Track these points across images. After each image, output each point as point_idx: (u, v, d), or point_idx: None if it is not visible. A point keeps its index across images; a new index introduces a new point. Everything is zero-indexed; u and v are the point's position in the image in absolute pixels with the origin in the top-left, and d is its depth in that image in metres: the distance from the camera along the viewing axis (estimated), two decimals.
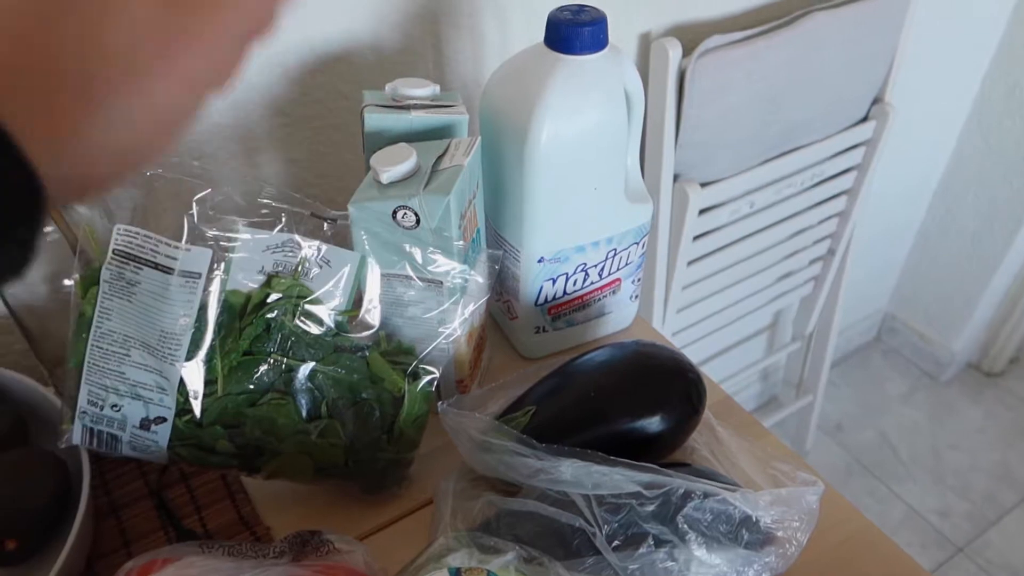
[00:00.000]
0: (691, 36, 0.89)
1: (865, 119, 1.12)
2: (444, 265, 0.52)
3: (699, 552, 0.44)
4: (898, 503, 1.57)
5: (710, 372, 1.42)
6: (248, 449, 0.52)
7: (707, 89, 0.87)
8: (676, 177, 0.96)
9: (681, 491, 0.44)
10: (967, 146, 1.53)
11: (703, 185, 0.97)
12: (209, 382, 0.50)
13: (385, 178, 0.51)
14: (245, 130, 0.68)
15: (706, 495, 0.44)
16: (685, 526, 0.44)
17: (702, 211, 1.00)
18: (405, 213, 0.50)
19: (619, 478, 0.45)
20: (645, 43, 0.89)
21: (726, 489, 0.44)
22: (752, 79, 0.90)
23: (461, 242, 0.52)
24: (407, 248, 0.51)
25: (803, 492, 0.48)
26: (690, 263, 1.06)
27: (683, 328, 1.17)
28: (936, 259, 1.70)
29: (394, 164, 0.51)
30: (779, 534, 0.47)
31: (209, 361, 0.50)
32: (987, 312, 1.72)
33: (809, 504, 0.48)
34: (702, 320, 1.19)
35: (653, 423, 0.54)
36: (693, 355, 1.34)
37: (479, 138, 0.54)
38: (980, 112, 1.48)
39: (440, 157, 0.53)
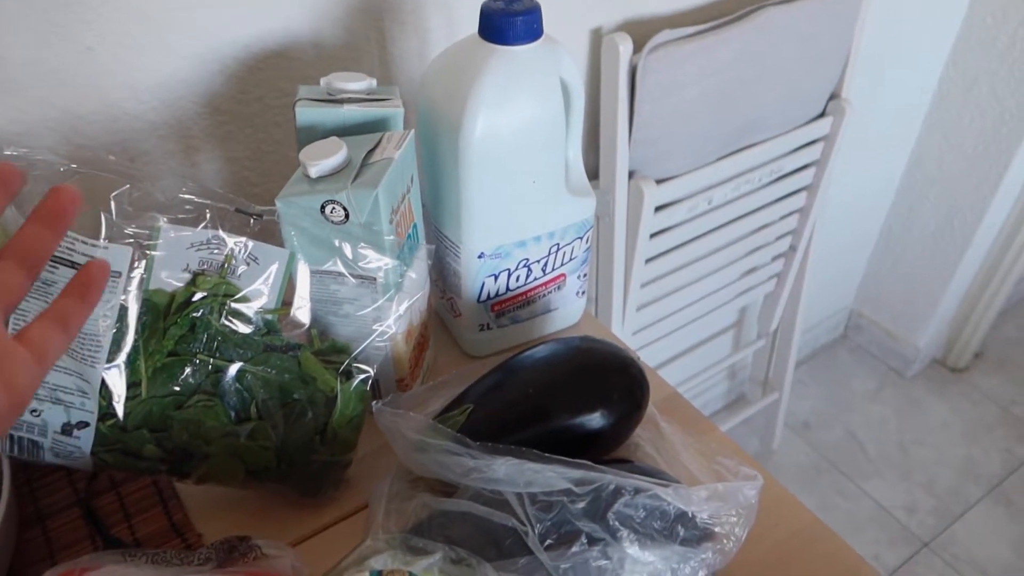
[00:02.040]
0: (643, 32, 0.89)
1: (822, 115, 1.12)
2: (375, 261, 0.51)
3: (632, 550, 0.43)
4: (865, 500, 1.58)
5: (676, 370, 1.42)
6: (176, 453, 0.50)
7: (659, 84, 0.87)
8: (631, 174, 0.95)
9: (612, 487, 0.43)
10: (927, 143, 1.54)
11: (659, 182, 0.96)
12: (132, 384, 0.48)
13: (314, 172, 0.50)
14: (182, 128, 0.67)
15: (637, 491, 0.43)
16: (616, 523, 0.43)
17: (658, 208, 0.99)
18: (334, 208, 0.49)
19: (551, 475, 0.44)
20: (596, 39, 0.88)
21: (659, 485, 0.43)
22: (705, 74, 0.90)
23: (393, 237, 0.50)
24: (337, 244, 0.50)
25: (740, 486, 0.47)
26: (648, 260, 1.05)
27: (645, 326, 1.17)
28: (900, 256, 1.71)
29: (323, 158, 0.50)
30: (716, 530, 0.46)
31: (132, 363, 0.48)
32: (951, 308, 1.73)
33: (747, 498, 0.47)
34: (664, 318, 1.19)
35: (593, 419, 0.53)
36: (657, 354, 1.35)
37: (412, 131, 0.53)
38: (939, 109, 1.49)
39: (371, 151, 0.52)
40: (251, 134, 0.70)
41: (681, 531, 0.45)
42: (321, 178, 0.50)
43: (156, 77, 0.63)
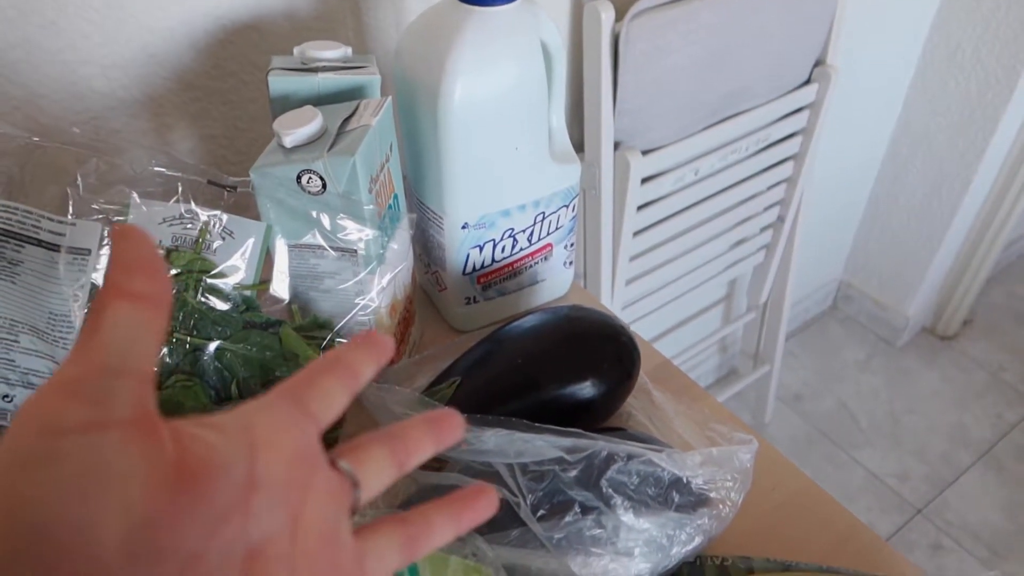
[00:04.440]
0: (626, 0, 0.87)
1: (808, 82, 1.11)
2: (355, 232, 0.49)
3: (626, 517, 0.42)
4: (858, 469, 1.58)
5: (666, 344, 1.41)
6: None
7: (642, 52, 0.85)
8: (616, 145, 0.94)
9: (604, 454, 0.42)
10: (912, 110, 1.53)
11: (644, 153, 0.95)
12: None
13: (288, 142, 0.48)
14: (154, 105, 0.65)
15: (630, 457, 0.42)
16: (610, 490, 0.42)
17: (645, 179, 0.98)
18: (310, 177, 0.47)
19: (541, 444, 0.43)
20: (578, 7, 0.87)
21: (653, 450, 0.42)
22: (688, 41, 0.88)
23: (372, 206, 0.49)
24: (315, 215, 0.49)
25: (735, 451, 0.46)
26: (636, 233, 1.04)
27: (634, 301, 1.16)
28: (887, 225, 1.71)
29: (298, 127, 0.48)
30: (712, 495, 0.45)
31: None
32: (938, 276, 1.73)
33: (742, 463, 0.46)
34: (654, 292, 1.18)
35: (584, 388, 0.52)
36: (647, 328, 1.34)
37: (389, 98, 0.52)
38: (924, 75, 1.48)
39: (348, 119, 0.50)
40: (226, 111, 0.68)
41: (676, 497, 0.44)
42: (296, 147, 0.48)
43: (124, 52, 0.61)
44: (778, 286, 1.42)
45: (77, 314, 0.45)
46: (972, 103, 1.43)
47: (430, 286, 0.65)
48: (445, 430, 0.31)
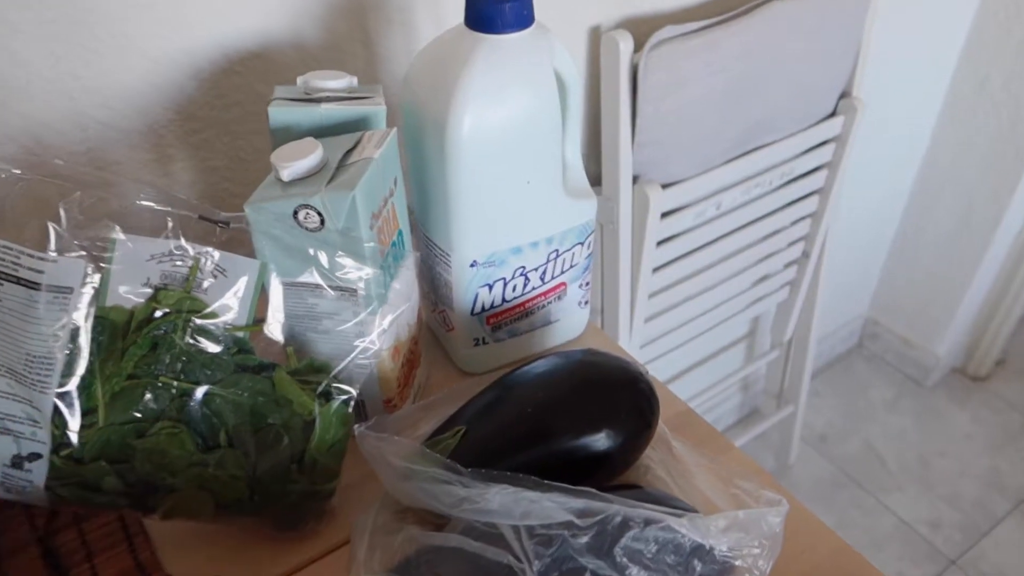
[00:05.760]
0: (644, 29, 0.85)
1: (833, 114, 1.08)
2: (354, 271, 0.46)
3: None
4: (887, 515, 1.51)
5: (687, 384, 1.37)
6: (139, 486, 0.46)
7: (662, 83, 0.83)
8: (635, 179, 0.91)
9: (619, 519, 0.38)
10: (941, 143, 1.49)
11: (664, 186, 0.92)
12: (89, 411, 0.44)
13: (286, 175, 0.45)
14: (155, 136, 0.63)
15: (647, 522, 0.38)
16: (625, 559, 0.38)
17: (665, 214, 0.95)
18: (307, 213, 0.45)
19: (550, 505, 0.39)
20: (595, 37, 0.84)
21: (672, 515, 0.39)
22: (709, 71, 0.85)
23: (373, 244, 0.46)
24: (312, 253, 0.46)
25: (763, 514, 0.42)
26: (656, 269, 1.00)
27: (653, 338, 1.12)
28: (915, 261, 1.66)
29: (296, 159, 0.45)
30: (737, 563, 0.41)
31: (88, 387, 0.44)
32: (969, 314, 1.67)
33: (771, 527, 0.42)
34: (674, 330, 1.14)
35: (599, 440, 0.48)
36: (667, 367, 1.30)
37: (394, 129, 0.49)
38: (952, 107, 1.44)
39: (350, 151, 0.47)
40: (229, 142, 0.66)
41: (698, 566, 0.40)
42: (294, 181, 0.45)
43: (126, 82, 0.59)
44: (803, 324, 1.37)
45: (57, 356, 0.43)
46: (1004, 135, 1.39)
47: (438, 326, 0.62)
48: None
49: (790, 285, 1.29)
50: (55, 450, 0.44)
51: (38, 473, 0.45)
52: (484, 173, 0.50)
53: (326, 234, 0.45)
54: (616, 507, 0.38)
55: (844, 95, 1.07)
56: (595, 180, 0.96)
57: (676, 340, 1.16)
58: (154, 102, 0.61)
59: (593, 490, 0.40)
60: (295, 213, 0.45)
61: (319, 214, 0.44)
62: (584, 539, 0.38)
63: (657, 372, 1.27)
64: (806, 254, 1.24)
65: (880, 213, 1.58)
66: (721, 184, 0.99)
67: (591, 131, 0.92)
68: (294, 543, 0.51)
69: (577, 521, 0.38)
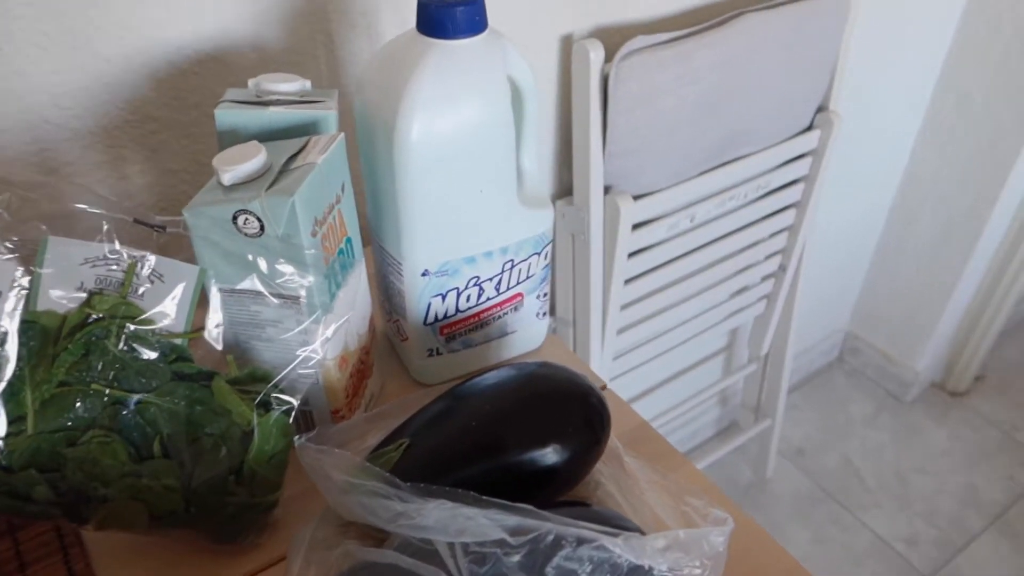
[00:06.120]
0: (617, 39, 0.84)
1: (810, 128, 1.07)
2: (294, 278, 0.45)
3: None
4: (864, 531, 1.51)
5: (663, 396, 1.36)
6: (71, 496, 0.44)
7: (633, 94, 0.82)
8: (607, 189, 0.90)
9: (551, 537, 0.37)
10: (921, 158, 1.50)
11: (636, 197, 0.91)
12: (17, 419, 0.43)
13: (227, 179, 0.44)
14: (109, 138, 0.62)
15: (580, 541, 0.37)
16: None
17: (637, 225, 0.94)
18: (247, 218, 0.43)
19: (485, 523, 0.38)
20: (567, 46, 0.84)
21: (608, 534, 0.37)
22: (682, 83, 0.85)
23: (315, 251, 0.45)
24: (252, 259, 0.45)
25: (705, 533, 0.41)
26: (628, 281, 1.00)
27: (627, 351, 1.11)
28: (895, 276, 1.66)
29: (238, 163, 0.44)
30: None
31: (16, 394, 0.42)
32: (949, 329, 1.67)
33: (714, 546, 0.41)
34: (647, 342, 1.13)
35: (546, 455, 0.47)
36: (641, 379, 1.29)
37: (341, 134, 0.48)
38: (932, 122, 1.45)
39: (294, 156, 0.46)
40: (187, 145, 0.65)
41: None
42: (235, 185, 0.44)
43: (77, 81, 0.58)
44: (779, 337, 1.37)
45: None
46: (983, 152, 1.39)
47: (393, 335, 0.61)
48: None
49: (767, 299, 1.28)
50: None
51: None
52: (434, 180, 0.49)
53: (266, 240, 0.44)
54: (549, 525, 0.37)
55: (821, 109, 1.07)
56: (567, 190, 0.95)
57: (650, 352, 1.15)
58: (107, 102, 0.60)
59: (530, 507, 0.39)
60: (234, 218, 0.43)
61: (259, 219, 0.43)
62: (516, 557, 0.37)
63: (632, 384, 1.27)
64: (783, 267, 1.23)
65: (860, 227, 1.58)
66: (695, 196, 0.98)
67: (563, 140, 0.91)
68: (234, 556, 0.49)
69: (509, 539, 0.37)
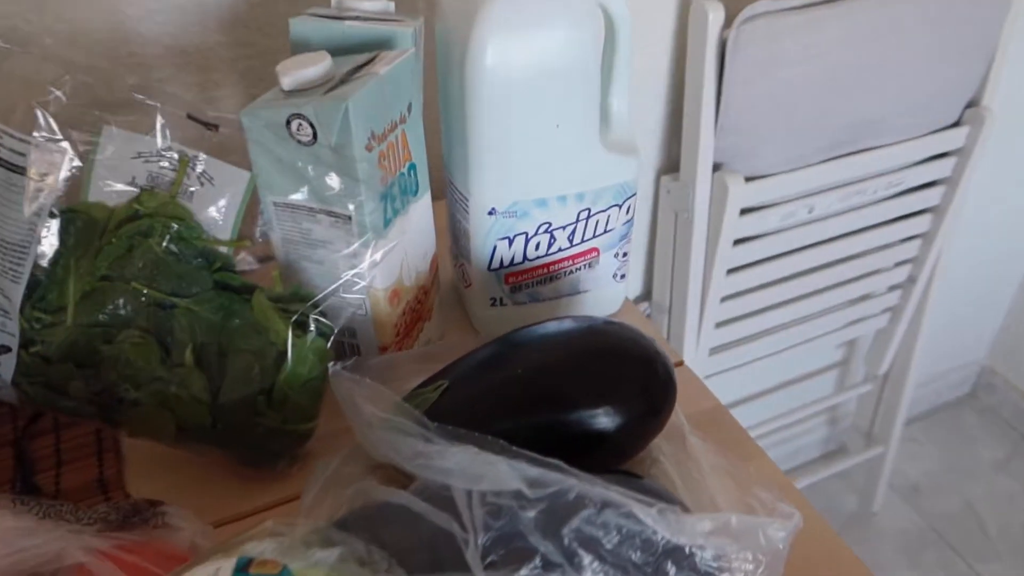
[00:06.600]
0: (741, 1, 0.78)
1: (957, 124, 0.96)
2: (343, 193, 0.42)
3: None
4: None
5: (763, 405, 1.27)
6: (104, 395, 0.44)
7: (752, 62, 0.75)
8: (716, 167, 0.84)
9: (572, 495, 0.32)
10: None
11: (748, 179, 0.84)
12: (58, 309, 0.42)
13: (287, 84, 0.42)
14: (202, 58, 0.61)
15: (605, 504, 0.32)
16: (575, 544, 0.32)
17: (746, 210, 0.87)
18: (300, 124, 0.41)
19: (505, 469, 0.34)
20: (684, 7, 0.78)
21: (640, 502, 0.32)
22: (809, 55, 0.77)
23: (367, 165, 0.42)
24: (304, 168, 0.42)
25: (763, 524, 0.35)
26: (731, 271, 0.92)
27: (724, 346, 1.03)
28: None
29: (299, 69, 0.42)
30: None
31: (60, 283, 0.42)
32: None
33: (772, 541, 0.35)
34: (749, 340, 1.05)
35: (596, 417, 0.42)
36: (740, 381, 1.20)
37: (411, 50, 0.45)
38: None
39: (359, 68, 0.44)
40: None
41: (671, 570, 0.34)
42: (294, 92, 0.42)
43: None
44: (902, 357, 1.24)
45: (32, 244, 0.41)
46: None
47: (459, 281, 0.58)
48: None
49: (891, 311, 1.17)
50: (24, 346, 0.43)
51: (7, 367, 0.43)
52: (506, 110, 0.46)
53: (318, 149, 0.41)
54: (572, 481, 0.32)
55: (972, 104, 0.95)
56: (674, 164, 0.89)
57: (751, 353, 1.07)
58: (199, 22, 0.60)
59: (560, 463, 0.35)
60: (288, 122, 0.41)
61: (312, 125, 0.41)
62: (532, 513, 0.33)
63: (728, 386, 1.18)
64: (912, 279, 1.12)
65: (1008, 245, 1.42)
66: (815, 185, 0.90)
67: (673, 109, 0.85)
68: (264, 483, 0.47)
69: (526, 491, 0.33)
